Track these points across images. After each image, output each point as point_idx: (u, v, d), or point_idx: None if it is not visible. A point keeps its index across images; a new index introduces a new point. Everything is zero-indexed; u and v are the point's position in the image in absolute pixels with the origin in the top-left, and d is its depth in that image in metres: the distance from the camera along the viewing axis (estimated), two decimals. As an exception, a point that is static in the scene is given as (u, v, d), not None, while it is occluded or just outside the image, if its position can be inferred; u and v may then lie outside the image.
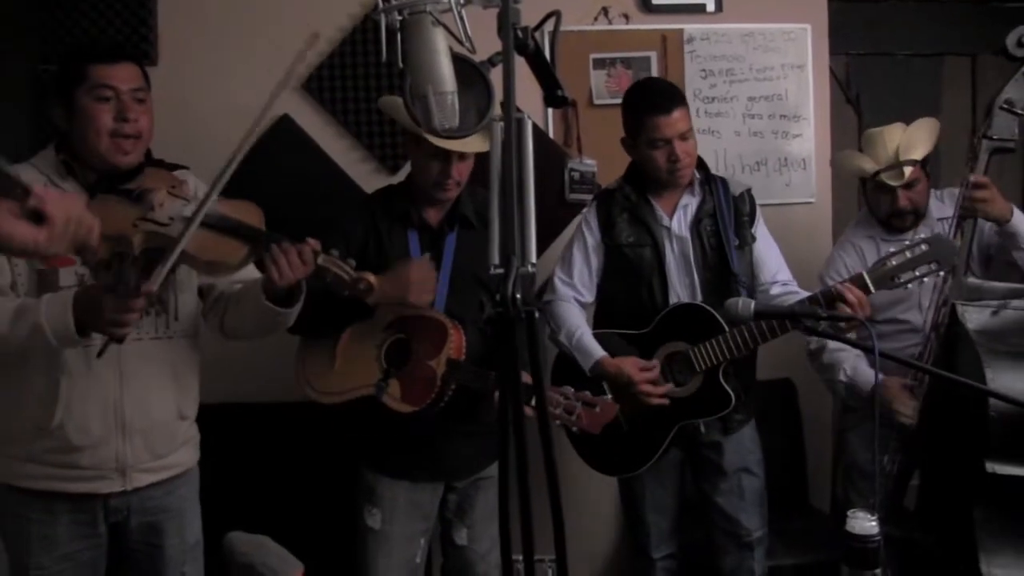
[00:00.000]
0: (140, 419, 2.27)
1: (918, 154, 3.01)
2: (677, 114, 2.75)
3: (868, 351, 2.73)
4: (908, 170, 2.99)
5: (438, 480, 2.75)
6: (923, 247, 2.54)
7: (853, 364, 3.01)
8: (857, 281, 2.58)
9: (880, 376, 2.65)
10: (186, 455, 2.42)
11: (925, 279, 2.55)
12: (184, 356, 2.40)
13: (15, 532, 2.27)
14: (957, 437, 2.66)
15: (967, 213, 2.80)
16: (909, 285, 2.57)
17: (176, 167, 2.43)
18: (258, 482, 3.30)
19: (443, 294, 2.65)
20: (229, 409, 3.15)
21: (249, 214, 2.25)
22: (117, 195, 2.21)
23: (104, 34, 3.41)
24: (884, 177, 3.01)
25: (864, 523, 1.66)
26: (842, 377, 3.03)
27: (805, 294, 2.75)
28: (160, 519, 2.35)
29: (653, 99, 2.80)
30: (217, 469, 2.59)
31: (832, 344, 3.01)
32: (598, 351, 2.79)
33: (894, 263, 2.56)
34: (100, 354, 2.13)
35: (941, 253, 2.53)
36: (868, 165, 3.06)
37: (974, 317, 2.62)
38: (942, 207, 3.11)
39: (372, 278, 2.22)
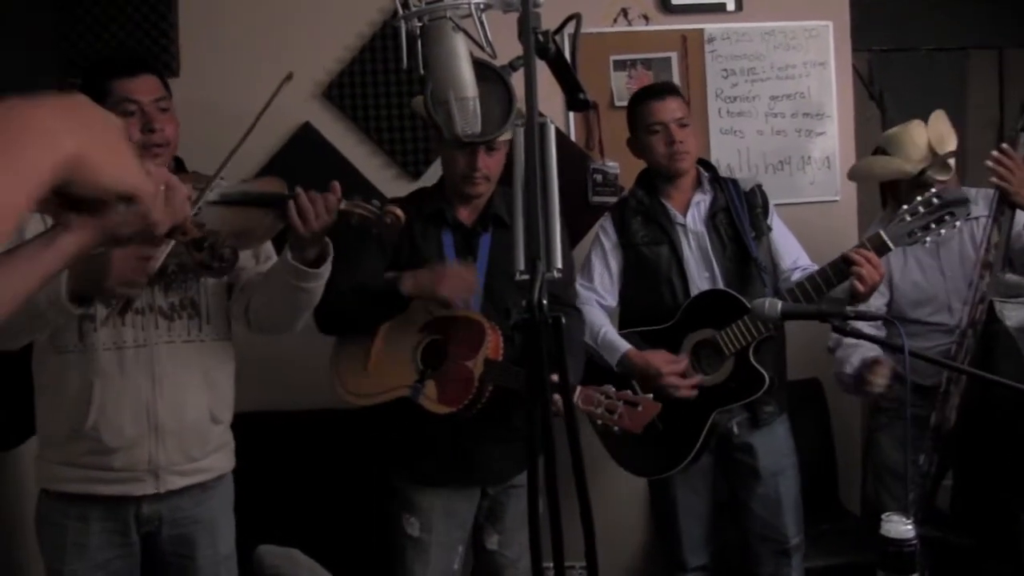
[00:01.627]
0: (173, 421, 2.29)
1: (952, 145, 2.97)
2: (671, 101, 2.85)
3: (898, 350, 2.70)
4: (953, 162, 2.95)
5: (473, 486, 2.73)
6: (935, 200, 2.53)
7: (862, 356, 2.92)
8: (875, 240, 2.57)
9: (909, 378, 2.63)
10: (220, 460, 2.43)
11: (942, 232, 2.54)
12: (216, 360, 2.41)
13: (51, 538, 2.31)
14: (998, 437, 2.62)
15: (1003, 196, 2.76)
16: (927, 240, 2.55)
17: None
18: (288, 492, 3.29)
19: (479, 295, 2.63)
20: (258, 417, 3.15)
21: (271, 184, 2.26)
22: None
23: (126, 46, 3.43)
24: (931, 173, 2.94)
25: (899, 527, 1.64)
26: (849, 370, 2.94)
27: None
28: (192, 530, 2.36)
29: (648, 89, 2.96)
30: (246, 479, 2.60)
31: (847, 340, 2.96)
32: (623, 345, 2.80)
33: (909, 219, 2.54)
34: (108, 317, 2.21)
35: (955, 203, 2.52)
36: (908, 166, 3.00)
37: (1013, 314, 2.59)
38: (975, 208, 3.07)
39: (399, 210, 2.20)
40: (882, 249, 2.56)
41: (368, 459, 2.93)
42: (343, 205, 2.17)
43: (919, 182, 2.98)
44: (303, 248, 2.21)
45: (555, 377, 1.43)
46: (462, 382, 2.50)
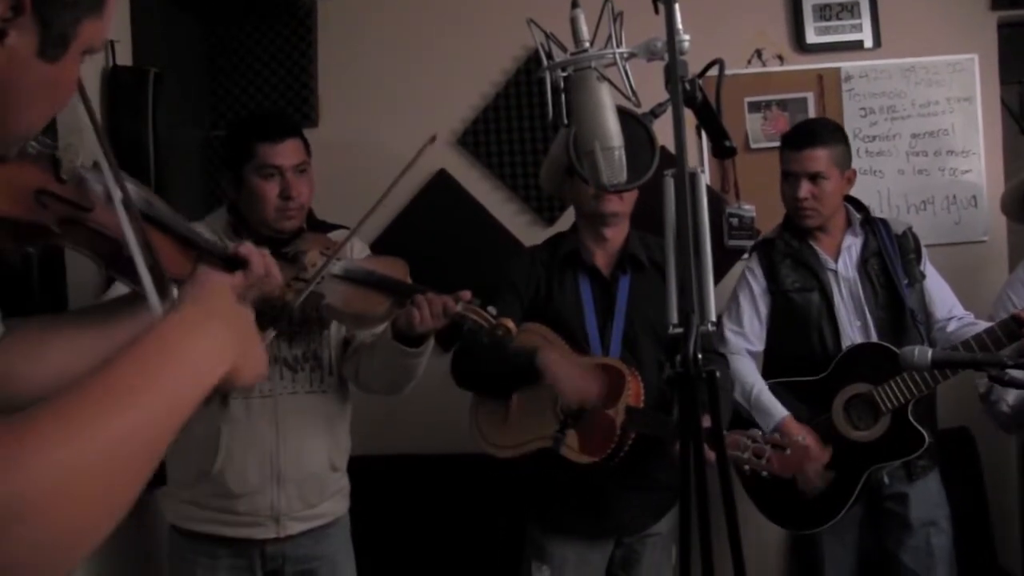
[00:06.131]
0: (294, 470, 2.37)
1: None
2: (809, 152, 2.74)
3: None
4: None
5: (608, 536, 2.69)
6: None
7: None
8: None
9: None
10: (336, 505, 2.50)
11: None
12: (336, 409, 2.49)
13: (181, 574, 2.40)
14: None
15: None
16: None
17: (335, 227, 2.56)
18: (411, 537, 3.32)
19: (618, 340, 2.61)
20: (381, 461, 3.20)
21: (395, 268, 2.29)
22: (275, 258, 2.29)
23: (268, 100, 3.59)
24: None
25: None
26: (1006, 408, 2.75)
27: (985, 325, 2.61)
28: (315, 566, 2.43)
29: (792, 134, 2.86)
30: (369, 522, 2.64)
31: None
32: (780, 411, 2.69)
33: None
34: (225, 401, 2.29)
35: None
36: None
37: None
38: None
39: (511, 323, 2.19)
40: None
41: (494, 505, 2.93)
42: (460, 308, 2.19)
43: None
44: (408, 331, 2.24)
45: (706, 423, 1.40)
46: (604, 431, 2.46)
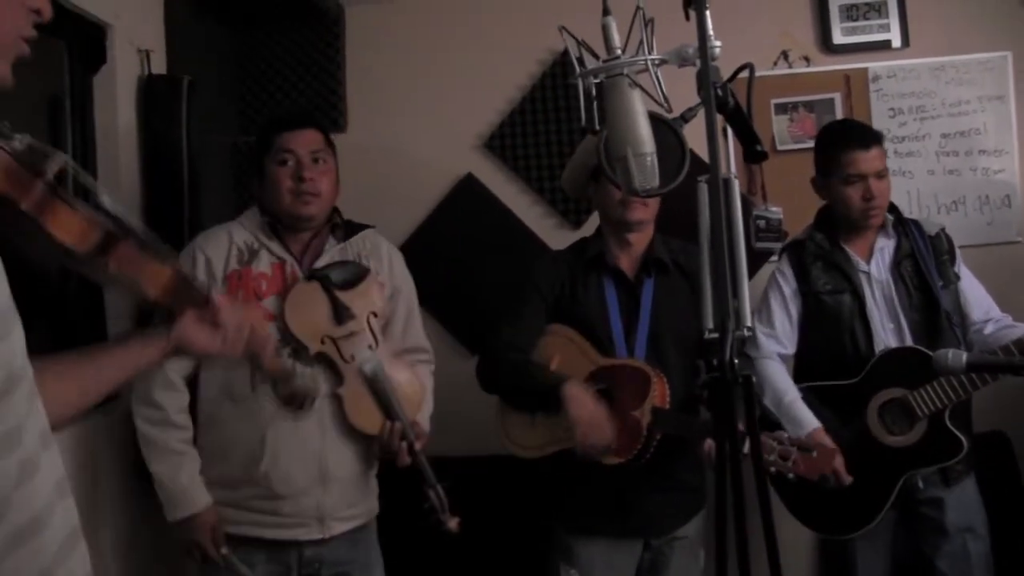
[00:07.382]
0: (339, 470, 2.40)
1: None
2: (875, 152, 2.72)
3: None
4: None
5: (634, 538, 2.69)
6: None
7: None
8: None
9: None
10: (372, 504, 2.55)
11: None
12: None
13: None
14: None
15: None
16: None
17: (363, 227, 2.60)
18: (443, 540, 3.30)
19: (643, 342, 2.62)
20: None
21: (412, 398, 2.47)
22: (326, 295, 2.39)
23: (297, 106, 3.61)
24: None
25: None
26: None
27: None
28: (349, 569, 2.46)
29: (852, 135, 2.79)
30: (400, 524, 2.64)
31: None
32: (812, 422, 2.64)
33: None
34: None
35: None
36: None
37: None
38: None
39: (456, 525, 2.49)
40: None
41: (519, 507, 2.93)
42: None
43: None
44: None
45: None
46: (631, 431, 2.47)
